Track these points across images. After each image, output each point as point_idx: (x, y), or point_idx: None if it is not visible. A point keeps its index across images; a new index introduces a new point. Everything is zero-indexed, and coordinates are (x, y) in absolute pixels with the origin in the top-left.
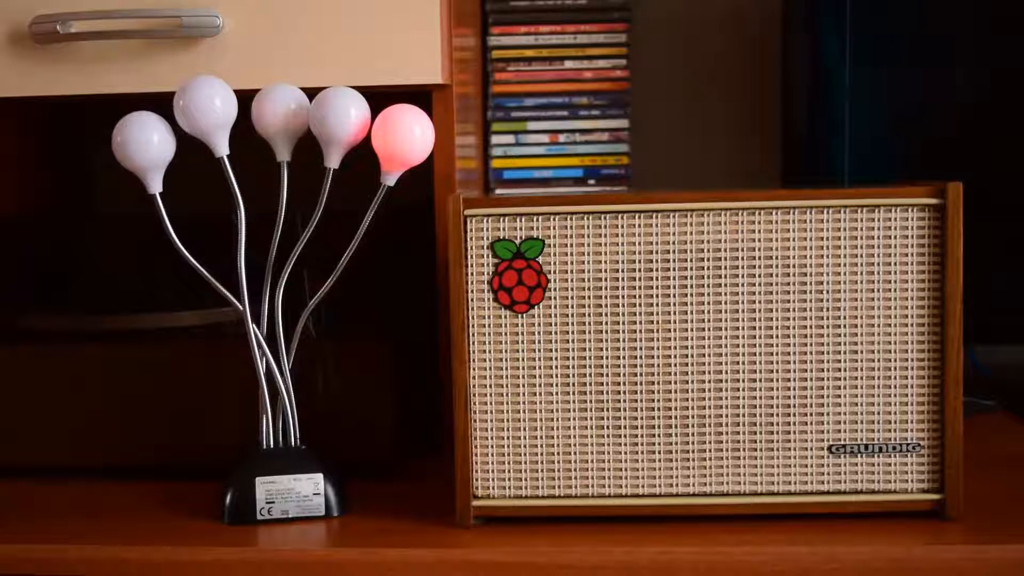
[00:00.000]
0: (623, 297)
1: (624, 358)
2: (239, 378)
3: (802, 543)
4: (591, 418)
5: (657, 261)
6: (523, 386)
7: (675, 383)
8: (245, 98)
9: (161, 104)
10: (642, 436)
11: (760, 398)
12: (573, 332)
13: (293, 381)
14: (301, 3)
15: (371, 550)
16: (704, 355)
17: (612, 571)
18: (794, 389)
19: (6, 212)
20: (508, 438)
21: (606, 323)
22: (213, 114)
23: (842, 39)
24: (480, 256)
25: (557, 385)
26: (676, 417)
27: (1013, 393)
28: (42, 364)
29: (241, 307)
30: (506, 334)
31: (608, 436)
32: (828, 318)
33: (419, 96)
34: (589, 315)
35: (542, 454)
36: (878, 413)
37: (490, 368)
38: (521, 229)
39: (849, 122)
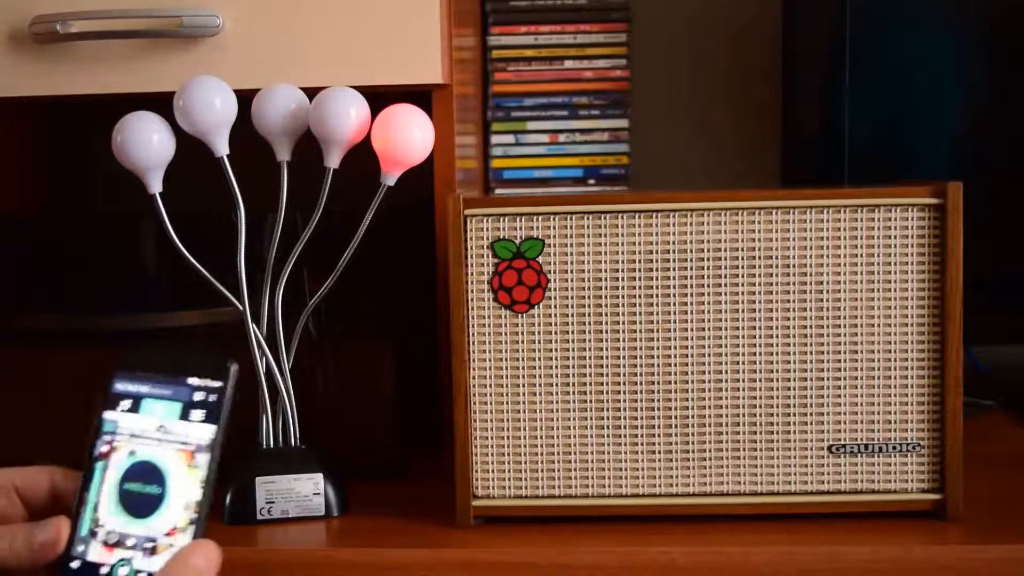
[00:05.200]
0: (623, 297)
1: (624, 358)
2: (239, 378)
3: (802, 543)
4: (591, 418)
5: (657, 261)
6: (523, 386)
7: (675, 383)
8: (245, 98)
9: (161, 104)
10: (642, 436)
11: (760, 398)
12: (573, 332)
13: (293, 381)
14: (301, 3)
15: (371, 550)
16: (704, 355)
17: (612, 571)
18: (794, 389)
19: (6, 212)
20: (508, 438)
21: (606, 323)
22: (213, 114)
23: (842, 39)
24: (480, 256)
25: (557, 385)
26: (676, 417)
27: (1013, 393)
28: (42, 364)
29: (241, 307)
30: (506, 334)
31: (608, 436)
32: (828, 318)
33: (419, 96)
34: (589, 315)
35: (542, 454)
36: (878, 413)
37: (490, 368)
38: (521, 229)
39: (849, 122)
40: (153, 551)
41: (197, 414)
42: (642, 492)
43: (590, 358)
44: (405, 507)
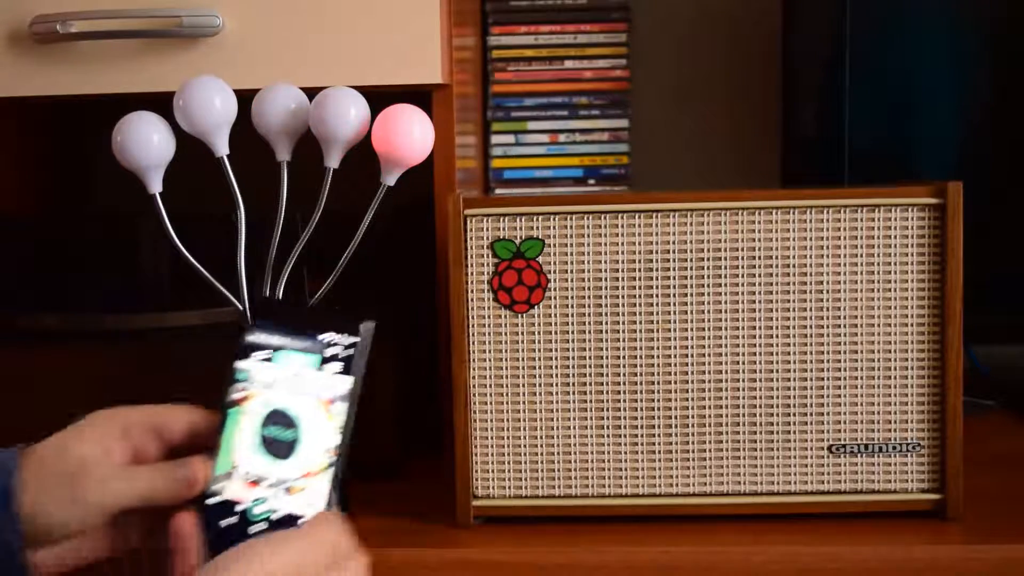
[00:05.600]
0: (623, 297)
1: (624, 358)
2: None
3: (802, 543)
4: (591, 418)
5: (657, 261)
6: (523, 386)
7: (675, 383)
8: (245, 98)
9: (161, 104)
10: (642, 436)
11: (760, 398)
12: (573, 332)
13: None
14: (301, 3)
15: (371, 550)
16: (704, 355)
17: (612, 571)
18: (794, 389)
19: (6, 212)
20: (508, 438)
21: (606, 323)
22: (213, 114)
23: (842, 39)
24: (480, 256)
25: (557, 385)
26: (676, 417)
27: (1013, 393)
28: (42, 364)
29: (241, 307)
30: (506, 334)
31: (608, 436)
32: (828, 318)
33: (419, 96)
34: (589, 315)
35: (542, 454)
36: (878, 413)
37: (490, 368)
38: (521, 229)
39: (849, 122)
40: (289, 491)
41: (333, 366)
42: (642, 492)
43: (590, 358)
44: (405, 507)
